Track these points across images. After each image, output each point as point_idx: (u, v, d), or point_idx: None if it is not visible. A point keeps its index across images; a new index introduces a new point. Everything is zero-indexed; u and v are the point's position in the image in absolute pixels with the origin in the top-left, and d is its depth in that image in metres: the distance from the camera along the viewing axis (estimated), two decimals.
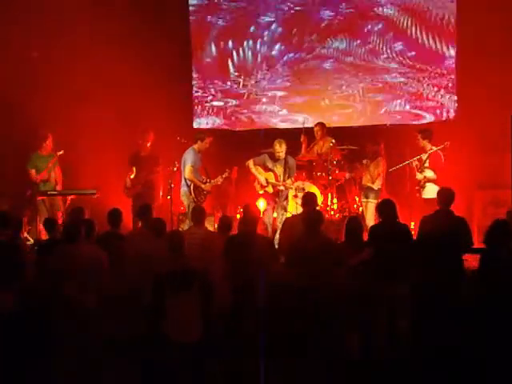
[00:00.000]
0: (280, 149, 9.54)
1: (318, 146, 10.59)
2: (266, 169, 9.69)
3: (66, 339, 6.26)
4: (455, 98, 11.09)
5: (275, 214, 9.75)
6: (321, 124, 10.64)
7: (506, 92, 10.23)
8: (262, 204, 9.87)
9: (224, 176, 9.73)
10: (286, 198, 9.72)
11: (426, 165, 9.42)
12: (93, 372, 6.17)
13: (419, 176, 9.40)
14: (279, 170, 9.62)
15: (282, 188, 9.56)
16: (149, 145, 10.14)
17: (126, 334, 6.01)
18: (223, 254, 6.88)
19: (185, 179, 9.54)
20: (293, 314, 6.56)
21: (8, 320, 6.37)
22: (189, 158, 9.50)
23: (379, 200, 9.54)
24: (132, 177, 9.98)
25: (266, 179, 9.65)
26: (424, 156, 9.50)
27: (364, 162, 10.15)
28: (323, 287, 6.51)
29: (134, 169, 9.98)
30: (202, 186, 9.56)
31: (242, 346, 6.47)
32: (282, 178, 9.55)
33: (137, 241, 7.08)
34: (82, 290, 6.23)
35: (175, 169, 9.75)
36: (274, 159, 9.64)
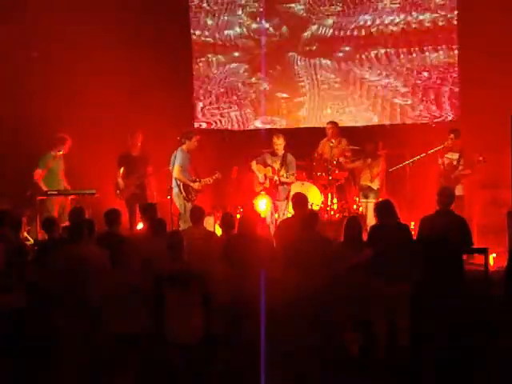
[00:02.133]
0: (278, 141, 9.71)
1: (326, 145, 10.55)
2: (266, 165, 9.80)
3: (67, 339, 6.26)
4: (456, 98, 11.09)
5: (277, 215, 9.78)
6: (333, 123, 10.63)
7: (506, 92, 10.22)
8: (263, 205, 9.88)
9: (214, 177, 9.73)
10: (287, 197, 9.73)
11: (461, 162, 9.54)
12: (93, 371, 6.17)
13: (455, 174, 9.48)
14: (277, 165, 9.70)
15: (276, 178, 9.63)
16: (139, 145, 10.12)
17: (127, 334, 6.00)
18: (223, 254, 6.87)
19: (175, 180, 9.58)
20: (292, 314, 6.57)
21: (13, 318, 6.38)
22: (177, 159, 9.55)
23: (379, 200, 9.58)
24: (120, 179, 9.94)
25: (265, 174, 9.73)
26: (456, 155, 9.54)
27: (363, 162, 10.16)
28: (321, 286, 6.51)
29: (122, 170, 9.96)
30: (191, 184, 9.59)
31: (242, 346, 6.46)
32: (280, 173, 9.63)
33: (139, 241, 7.07)
34: (85, 289, 6.22)
35: (170, 167, 9.75)
36: (274, 155, 9.76)
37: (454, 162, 9.59)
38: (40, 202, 9.80)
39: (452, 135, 9.66)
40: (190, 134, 9.79)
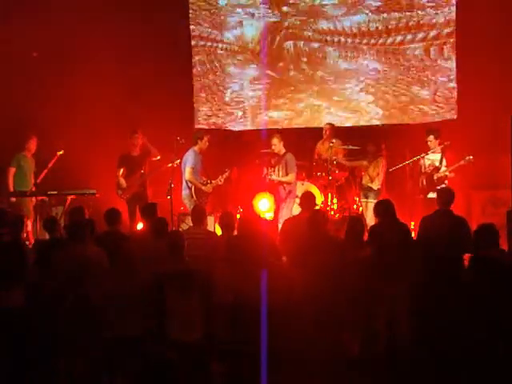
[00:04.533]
0: (272, 141, 9.76)
1: (324, 145, 10.57)
2: (270, 165, 9.83)
3: (68, 338, 6.27)
4: (455, 98, 11.10)
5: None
6: (330, 124, 10.67)
7: (505, 92, 10.24)
8: (264, 205, 9.88)
9: (224, 176, 9.74)
10: (287, 196, 9.74)
11: (444, 163, 9.50)
12: (94, 371, 6.18)
13: (438, 175, 9.46)
14: (274, 163, 9.75)
15: (269, 177, 9.69)
16: (139, 145, 10.13)
17: (127, 334, 6.00)
18: (223, 254, 6.86)
19: (186, 181, 9.54)
20: (294, 313, 6.57)
21: (16, 317, 6.38)
22: (189, 160, 9.51)
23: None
24: (121, 179, 9.94)
25: (265, 174, 9.81)
26: (438, 156, 9.54)
27: (364, 163, 10.17)
28: (326, 286, 6.52)
29: (122, 171, 9.96)
30: (203, 187, 9.56)
31: (243, 346, 6.47)
32: (278, 172, 9.63)
33: (140, 240, 7.07)
34: (85, 289, 6.23)
35: (176, 163, 9.73)
36: (276, 155, 9.81)
37: (436, 163, 9.59)
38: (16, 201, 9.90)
39: (431, 136, 9.64)
40: (201, 134, 9.78)
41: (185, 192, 9.59)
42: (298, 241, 6.95)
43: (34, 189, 10.07)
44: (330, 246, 6.76)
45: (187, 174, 9.48)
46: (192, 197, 9.51)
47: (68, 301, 6.30)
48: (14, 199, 9.95)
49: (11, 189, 10.06)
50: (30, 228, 9.70)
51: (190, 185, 9.52)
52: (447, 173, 9.48)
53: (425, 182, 9.56)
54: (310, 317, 6.47)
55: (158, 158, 10.07)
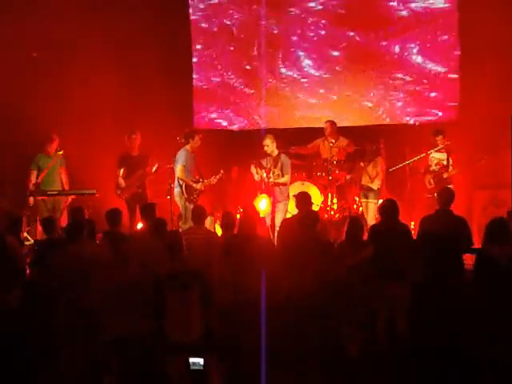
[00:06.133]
0: (264, 142, 9.72)
1: (325, 145, 10.53)
2: (262, 167, 9.78)
3: (67, 339, 6.26)
4: (457, 99, 11.09)
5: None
6: (330, 121, 10.64)
7: (505, 92, 10.23)
8: (263, 205, 9.87)
9: (218, 177, 9.74)
10: (287, 198, 9.73)
11: (451, 162, 9.61)
12: (93, 371, 6.17)
13: (449, 173, 9.59)
14: (270, 166, 9.70)
15: (266, 180, 9.66)
16: (137, 145, 10.12)
17: (127, 334, 6.00)
18: (223, 253, 6.87)
19: (177, 180, 9.58)
20: (292, 313, 6.57)
21: (14, 318, 6.38)
22: (180, 159, 9.55)
23: (379, 200, 9.59)
24: (120, 179, 9.94)
25: (260, 176, 9.74)
26: (443, 155, 9.63)
27: (361, 164, 10.16)
28: (320, 286, 6.53)
29: (122, 171, 9.96)
30: (194, 185, 9.59)
31: (242, 346, 6.46)
32: (274, 174, 9.63)
33: (139, 240, 7.07)
34: (85, 289, 6.22)
35: (173, 167, 9.74)
36: (269, 157, 9.75)
37: (444, 162, 9.65)
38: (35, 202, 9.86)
39: (440, 136, 9.73)
40: (193, 134, 9.80)
41: (176, 190, 9.64)
42: (290, 241, 6.97)
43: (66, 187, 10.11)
44: (321, 246, 6.78)
45: (178, 171, 9.54)
46: (183, 194, 9.53)
47: (62, 303, 6.29)
48: (31, 201, 9.93)
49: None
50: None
51: (181, 182, 9.56)
52: (452, 173, 9.58)
53: (433, 182, 9.62)
54: (308, 316, 6.48)
55: (156, 166, 10.01)
